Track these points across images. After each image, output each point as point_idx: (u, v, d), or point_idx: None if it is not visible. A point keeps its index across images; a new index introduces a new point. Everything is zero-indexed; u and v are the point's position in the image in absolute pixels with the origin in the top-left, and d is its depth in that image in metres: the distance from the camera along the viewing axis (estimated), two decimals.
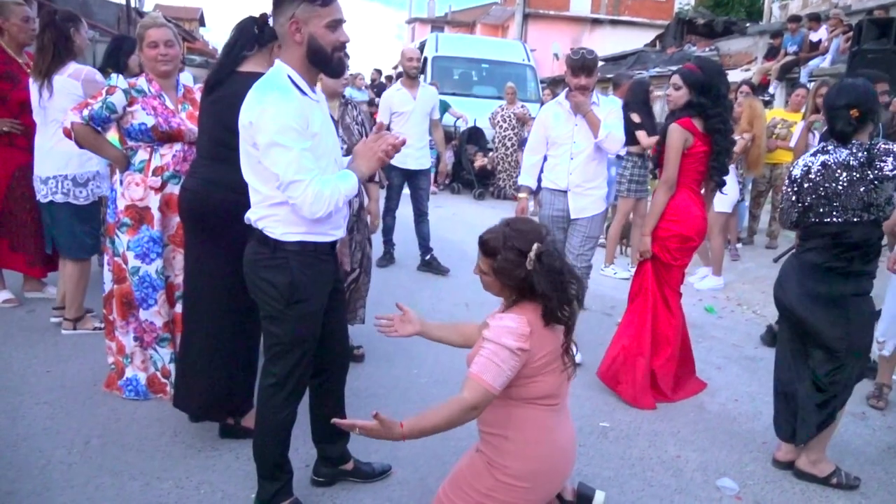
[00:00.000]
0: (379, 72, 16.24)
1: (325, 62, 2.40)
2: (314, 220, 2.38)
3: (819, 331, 3.07)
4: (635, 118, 6.52)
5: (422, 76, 14.47)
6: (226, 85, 2.87)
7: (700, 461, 3.34)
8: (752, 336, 5.35)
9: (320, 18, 2.33)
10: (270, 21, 2.74)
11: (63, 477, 2.85)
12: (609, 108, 4.48)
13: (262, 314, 2.51)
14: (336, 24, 2.37)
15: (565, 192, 4.41)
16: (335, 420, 2.30)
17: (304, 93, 2.38)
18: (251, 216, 2.48)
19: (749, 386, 4.34)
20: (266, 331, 2.53)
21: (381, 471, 3.01)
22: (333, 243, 2.56)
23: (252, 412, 3.15)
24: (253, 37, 2.91)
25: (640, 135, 6.56)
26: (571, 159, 4.38)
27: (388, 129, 6.29)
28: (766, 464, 3.36)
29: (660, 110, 10.97)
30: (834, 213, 2.98)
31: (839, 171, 2.96)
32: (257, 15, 2.93)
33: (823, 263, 3.05)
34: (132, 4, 22.18)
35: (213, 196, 2.88)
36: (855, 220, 2.96)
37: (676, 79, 3.93)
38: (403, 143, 2.55)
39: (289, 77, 2.36)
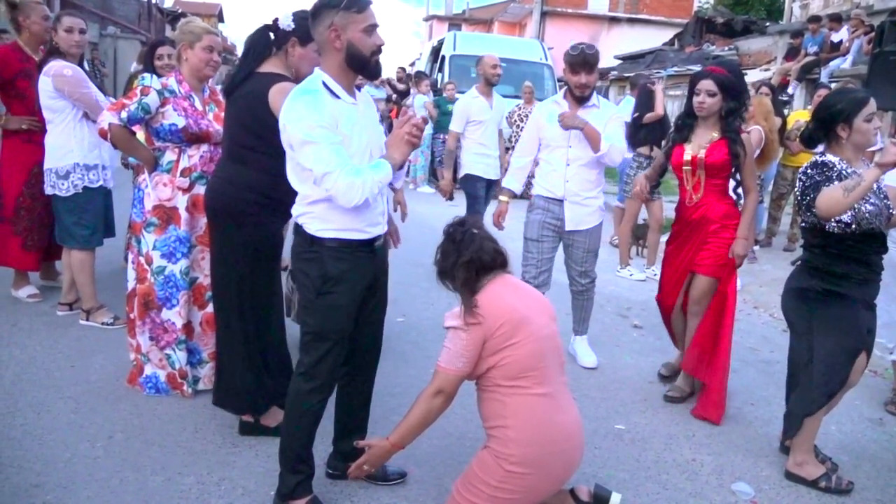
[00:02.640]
0: (402, 69, 16.25)
1: (363, 65, 2.53)
2: (349, 217, 2.50)
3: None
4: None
5: (439, 75, 14.53)
6: (243, 86, 2.95)
7: (715, 465, 3.35)
8: (768, 339, 5.35)
9: (357, 24, 2.46)
10: (281, 24, 2.91)
11: (87, 471, 2.91)
12: (609, 113, 4.21)
13: (302, 305, 2.69)
14: (372, 28, 2.50)
15: (561, 201, 4.18)
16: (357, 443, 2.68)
17: (336, 96, 2.49)
18: (293, 212, 2.63)
19: (765, 390, 4.34)
20: (302, 321, 2.69)
21: (396, 475, 3.01)
22: (372, 240, 2.63)
23: (272, 410, 3.20)
24: (267, 42, 2.99)
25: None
26: (567, 166, 4.14)
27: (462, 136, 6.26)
28: (782, 468, 3.35)
29: (676, 110, 10.91)
30: None
31: None
32: (270, 20, 3.02)
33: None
34: (153, 1, 22.42)
35: (229, 194, 2.97)
36: None
37: (710, 84, 3.68)
38: (426, 121, 2.67)
39: (323, 83, 2.49)
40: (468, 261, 2.51)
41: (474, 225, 2.62)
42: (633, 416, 3.81)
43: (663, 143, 4.25)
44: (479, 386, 2.53)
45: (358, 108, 2.58)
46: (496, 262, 2.56)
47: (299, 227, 2.60)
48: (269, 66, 2.96)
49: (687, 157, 3.78)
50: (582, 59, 3.97)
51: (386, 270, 2.86)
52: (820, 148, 6.29)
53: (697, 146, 3.77)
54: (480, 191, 6.25)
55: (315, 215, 2.54)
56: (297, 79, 2.93)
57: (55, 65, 4.20)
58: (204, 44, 3.37)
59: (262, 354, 3.15)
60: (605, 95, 23.27)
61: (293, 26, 2.92)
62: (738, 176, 3.79)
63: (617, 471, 3.24)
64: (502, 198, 4.39)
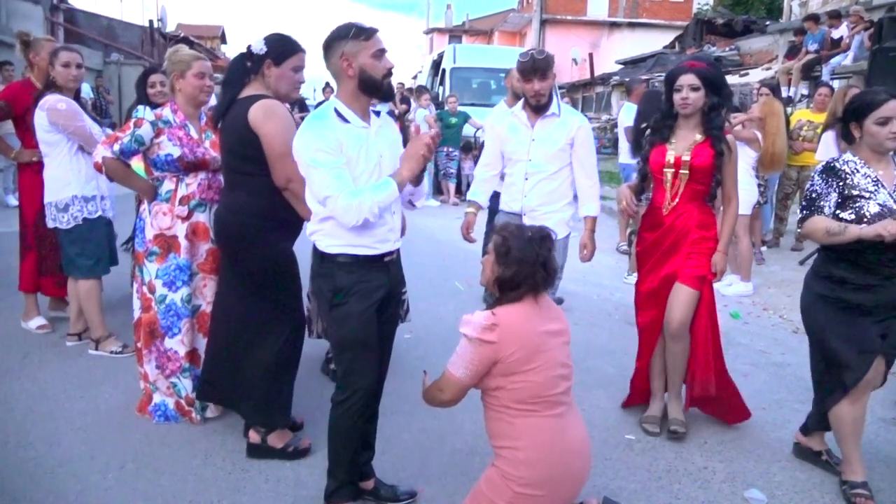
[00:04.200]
0: (402, 84, 16.34)
1: (376, 88, 2.66)
2: (357, 233, 2.60)
3: None
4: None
5: (441, 88, 14.60)
6: (228, 115, 3.08)
7: (727, 472, 3.33)
8: (778, 341, 5.31)
9: (367, 51, 2.61)
10: (254, 49, 3.06)
11: (99, 502, 2.92)
12: (573, 123, 3.91)
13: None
14: (380, 53, 2.65)
15: (520, 215, 3.96)
16: None
17: (346, 121, 2.63)
18: (307, 230, 2.78)
19: (777, 393, 4.31)
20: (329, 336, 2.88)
21: (406, 494, 3.01)
22: (382, 256, 2.71)
23: (279, 431, 3.22)
24: (243, 69, 3.12)
25: None
26: (526, 179, 3.93)
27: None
28: (794, 473, 3.33)
29: None
30: None
31: None
32: (251, 43, 3.14)
33: None
34: (155, 26, 22.64)
35: (231, 223, 3.12)
36: None
37: (692, 79, 3.42)
38: (440, 136, 2.81)
39: (335, 109, 2.65)
40: (530, 263, 2.36)
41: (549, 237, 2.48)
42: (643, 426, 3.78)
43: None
44: (485, 403, 2.48)
45: (370, 130, 2.70)
46: (546, 282, 2.43)
47: (314, 245, 2.74)
48: (249, 91, 3.08)
49: (670, 158, 3.50)
50: (531, 66, 3.75)
51: (399, 285, 2.95)
52: (821, 150, 6.24)
53: (682, 147, 3.51)
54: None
55: (325, 232, 2.67)
56: (277, 97, 3.08)
57: (50, 99, 4.26)
58: (195, 71, 3.43)
59: (289, 372, 3.29)
60: (608, 101, 23.33)
61: (266, 49, 3.05)
62: (718, 178, 3.52)
63: (628, 481, 3.22)
64: (469, 209, 4.18)
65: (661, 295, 3.60)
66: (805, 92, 12.44)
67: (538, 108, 3.87)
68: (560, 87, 15.14)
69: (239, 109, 2.99)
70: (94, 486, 3.03)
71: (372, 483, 2.98)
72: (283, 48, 3.09)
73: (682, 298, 3.52)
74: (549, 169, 3.88)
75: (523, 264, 2.33)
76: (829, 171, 3.08)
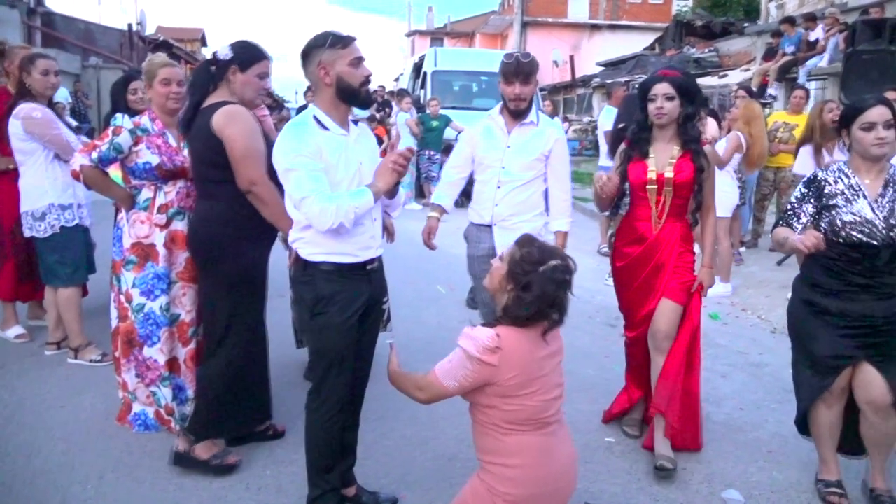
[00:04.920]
0: (383, 87, 16.30)
1: (353, 96, 2.69)
2: (338, 241, 2.61)
3: None
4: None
5: (422, 91, 14.61)
6: (194, 123, 3.09)
7: (706, 473, 3.37)
8: (757, 342, 5.38)
9: (343, 59, 2.64)
10: (220, 56, 3.07)
11: None
12: (550, 135, 3.72)
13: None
14: (358, 61, 2.67)
15: (490, 226, 3.74)
16: None
17: (325, 128, 2.65)
18: (290, 238, 2.78)
19: (755, 394, 4.37)
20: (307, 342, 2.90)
21: (388, 501, 3.02)
22: (365, 263, 2.73)
23: (208, 442, 3.24)
24: (208, 76, 3.13)
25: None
26: (498, 188, 3.69)
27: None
28: (771, 473, 3.38)
29: None
30: None
31: None
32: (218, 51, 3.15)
33: None
34: (134, 29, 22.47)
35: (203, 232, 3.13)
36: None
37: (666, 88, 3.33)
38: (412, 152, 2.80)
39: (314, 116, 2.67)
40: (548, 304, 2.22)
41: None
42: (621, 428, 3.82)
43: (614, 160, 3.73)
44: (475, 417, 2.37)
45: (349, 138, 2.72)
46: (557, 324, 2.29)
47: (295, 252, 2.74)
48: (214, 98, 3.09)
49: (651, 175, 3.39)
50: (515, 68, 3.56)
51: (382, 293, 2.95)
52: (798, 164, 6.28)
53: (662, 163, 3.40)
54: None
55: (307, 240, 2.67)
56: (243, 103, 3.09)
57: (24, 107, 4.23)
58: (160, 78, 3.42)
59: (240, 383, 3.24)
60: (589, 103, 23.48)
61: (231, 55, 3.07)
62: (699, 195, 3.44)
63: (608, 484, 3.26)
64: (432, 214, 3.89)
65: (651, 310, 3.51)
66: (773, 93, 12.58)
67: (517, 113, 3.69)
68: (542, 90, 15.22)
69: (205, 117, 3.00)
70: (74, 497, 3.01)
71: (354, 490, 2.98)
72: (248, 55, 3.11)
73: (667, 313, 3.45)
74: (522, 178, 3.68)
75: (541, 303, 2.20)
76: (809, 182, 3.11)
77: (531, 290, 2.18)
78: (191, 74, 3.26)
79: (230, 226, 3.05)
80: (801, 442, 3.49)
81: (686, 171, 3.38)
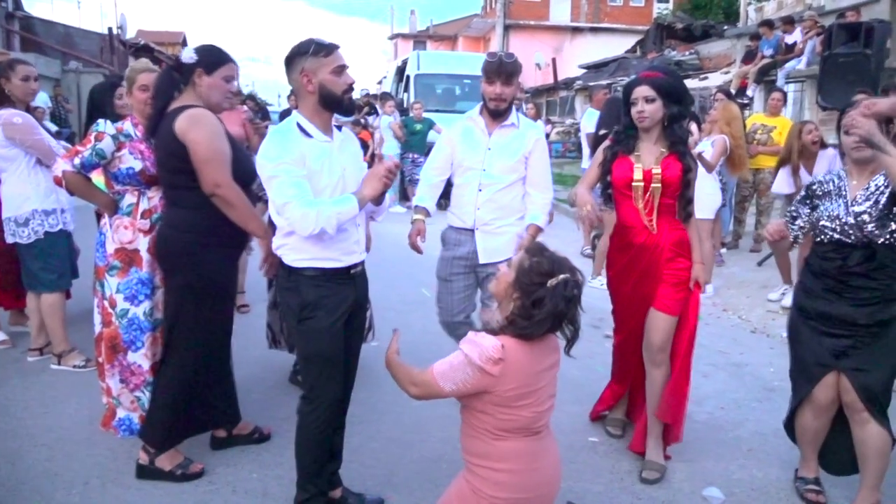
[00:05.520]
0: (366, 91, 16.29)
1: (336, 104, 2.70)
2: (322, 246, 2.64)
3: None
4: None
5: (405, 94, 14.65)
6: (157, 129, 3.06)
7: (688, 472, 3.42)
8: (738, 341, 5.45)
9: (326, 67, 2.65)
10: (184, 59, 3.05)
11: None
12: (531, 136, 3.69)
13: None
14: (341, 69, 2.68)
15: (472, 230, 3.69)
16: None
17: (308, 135, 2.67)
18: (273, 244, 2.80)
19: (736, 392, 4.43)
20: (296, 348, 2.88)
21: (374, 503, 3.05)
22: (349, 268, 2.75)
23: (169, 453, 3.24)
24: (171, 81, 3.11)
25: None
26: (480, 191, 3.63)
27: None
28: (752, 471, 3.44)
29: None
30: None
31: None
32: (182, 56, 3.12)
33: None
34: (115, 33, 22.32)
35: (170, 238, 3.12)
36: None
37: (645, 90, 3.26)
38: (398, 166, 2.82)
39: (297, 123, 2.68)
40: (559, 320, 2.20)
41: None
42: (605, 428, 3.86)
43: (594, 155, 3.65)
44: (465, 419, 2.34)
45: (333, 145, 2.73)
46: (575, 331, 2.27)
47: (279, 259, 2.75)
48: (179, 103, 3.08)
49: (638, 173, 3.31)
50: (497, 67, 3.50)
51: (366, 297, 2.97)
52: (776, 184, 6.34)
53: (649, 160, 3.32)
54: None
55: (291, 246, 2.68)
56: (209, 107, 3.07)
57: (4, 114, 4.20)
58: (139, 83, 3.43)
59: (194, 390, 3.24)
60: (572, 105, 23.59)
61: (196, 58, 3.06)
62: (687, 194, 3.35)
63: (592, 483, 3.30)
64: (417, 216, 3.76)
65: (640, 315, 3.43)
66: (751, 94, 12.74)
67: (497, 114, 3.63)
68: (525, 92, 15.28)
69: (168, 122, 2.98)
70: (59, 503, 3.00)
71: (339, 492, 2.99)
72: (214, 58, 3.10)
73: (660, 325, 3.36)
74: (504, 181, 3.63)
75: (554, 319, 2.18)
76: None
77: (543, 306, 2.14)
78: (154, 80, 3.22)
79: (194, 233, 3.04)
80: (780, 440, 3.55)
81: (673, 169, 3.29)
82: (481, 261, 3.68)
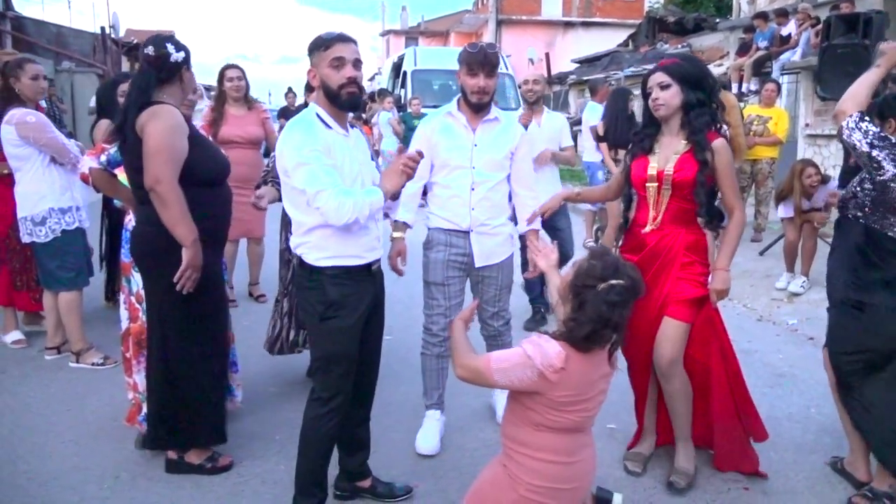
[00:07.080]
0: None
1: (334, 98, 2.66)
2: (345, 243, 2.61)
3: None
4: (599, 129, 6.78)
5: (402, 90, 14.67)
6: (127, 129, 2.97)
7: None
8: (744, 329, 5.52)
9: (324, 61, 2.63)
10: (173, 58, 2.98)
11: None
12: (514, 132, 3.58)
13: (308, 333, 2.77)
14: (338, 62, 2.62)
15: (467, 232, 3.50)
16: None
17: (328, 126, 2.65)
18: (291, 243, 2.74)
19: (747, 379, 4.43)
20: (311, 348, 2.87)
21: (402, 491, 3.07)
22: (369, 265, 2.74)
23: (196, 450, 3.23)
24: (147, 82, 2.99)
25: (603, 148, 6.80)
26: (473, 190, 3.44)
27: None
28: (770, 453, 3.50)
29: (638, 111, 11.13)
30: None
31: None
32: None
33: None
34: (107, 32, 22.20)
35: (148, 234, 3.02)
36: None
37: (661, 76, 3.08)
38: (421, 155, 2.75)
39: (317, 114, 2.67)
40: (602, 324, 2.15)
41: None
42: (623, 415, 3.90)
43: (624, 154, 3.47)
44: (511, 406, 2.33)
45: (349, 140, 2.73)
46: (617, 346, 2.28)
47: (299, 259, 2.71)
48: (169, 99, 3.03)
49: (651, 171, 3.13)
50: (482, 58, 3.33)
51: (383, 293, 2.95)
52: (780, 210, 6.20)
53: (664, 158, 3.12)
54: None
55: (312, 244, 2.65)
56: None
57: (17, 113, 4.22)
58: None
59: (167, 387, 3.15)
60: (565, 99, 23.63)
61: (184, 55, 3.04)
62: (701, 195, 3.08)
63: (612, 469, 3.35)
64: (397, 234, 3.50)
65: (648, 325, 3.17)
66: (754, 88, 12.81)
67: (479, 108, 3.44)
68: (519, 86, 15.31)
69: (132, 119, 2.93)
70: (91, 497, 3.05)
71: (369, 482, 3.05)
72: (187, 50, 3.07)
73: (669, 333, 3.13)
74: (494, 178, 3.48)
75: (595, 324, 2.15)
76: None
77: (584, 310, 2.14)
78: (131, 81, 3.15)
79: (166, 232, 2.91)
80: (794, 424, 3.63)
81: (687, 170, 3.06)
82: (477, 264, 3.53)
